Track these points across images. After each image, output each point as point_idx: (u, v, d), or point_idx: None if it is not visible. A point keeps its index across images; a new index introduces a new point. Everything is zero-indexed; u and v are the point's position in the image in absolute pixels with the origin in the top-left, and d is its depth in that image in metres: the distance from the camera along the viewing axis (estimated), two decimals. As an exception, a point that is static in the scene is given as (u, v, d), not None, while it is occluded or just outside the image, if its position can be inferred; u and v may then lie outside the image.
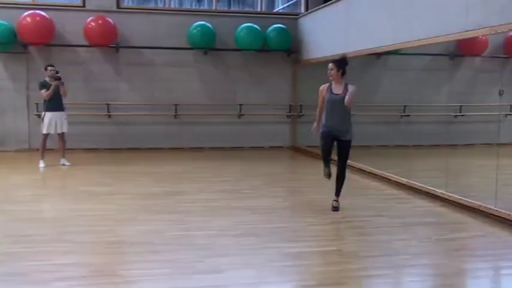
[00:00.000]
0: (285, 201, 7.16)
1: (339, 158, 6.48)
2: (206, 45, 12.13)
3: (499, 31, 5.95)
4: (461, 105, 13.36)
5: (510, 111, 13.54)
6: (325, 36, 11.17)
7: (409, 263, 4.64)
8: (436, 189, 7.25)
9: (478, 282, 4.46)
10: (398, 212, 6.58)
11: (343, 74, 6.26)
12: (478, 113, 13.53)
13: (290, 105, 12.93)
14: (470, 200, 6.57)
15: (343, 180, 6.49)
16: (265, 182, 8.50)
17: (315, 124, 6.53)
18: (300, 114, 12.81)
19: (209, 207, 6.65)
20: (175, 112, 12.27)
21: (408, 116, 13.19)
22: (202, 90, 12.52)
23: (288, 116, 12.99)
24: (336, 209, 6.40)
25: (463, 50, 12.66)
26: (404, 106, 13.17)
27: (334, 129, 6.28)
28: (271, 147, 12.85)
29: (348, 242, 5.31)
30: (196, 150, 12.33)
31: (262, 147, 12.80)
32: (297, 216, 6.29)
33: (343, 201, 6.58)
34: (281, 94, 12.89)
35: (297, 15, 12.87)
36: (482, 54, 13.23)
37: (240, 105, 12.58)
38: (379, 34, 8.73)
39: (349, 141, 6.35)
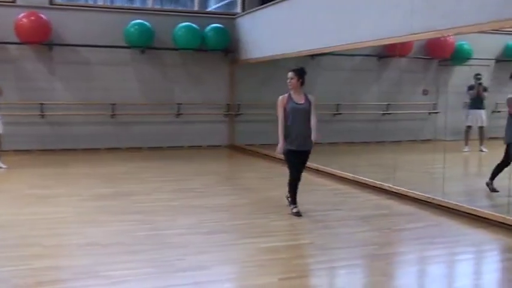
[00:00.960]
0: (241, 199, 7.27)
1: (300, 167, 6.29)
2: (143, 44, 11.99)
3: (445, 35, 6.40)
4: (388, 104, 14.06)
5: (433, 110, 14.45)
6: (266, 36, 11.38)
7: (379, 252, 4.93)
8: (383, 183, 7.66)
9: (441, 266, 4.81)
10: (353, 205, 6.92)
11: (303, 83, 6.21)
12: (404, 111, 14.32)
13: (228, 104, 13.04)
14: (417, 192, 7.01)
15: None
16: (216, 181, 8.60)
17: (281, 142, 6.12)
18: (238, 113, 12.98)
19: (169, 207, 6.66)
20: (112, 112, 12.05)
21: (340, 114, 13.71)
22: (139, 89, 12.37)
23: (225, 115, 13.10)
24: (298, 213, 6.17)
25: (389, 51, 13.28)
26: (337, 105, 13.68)
27: (300, 141, 6.06)
28: (210, 146, 12.91)
29: (315, 235, 5.52)
30: (135, 150, 12.17)
31: (201, 146, 12.84)
32: (258, 212, 6.44)
33: (299, 198, 6.79)
34: (219, 93, 12.98)
35: (234, 15, 13.01)
36: (407, 56, 14.01)
37: (178, 104, 12.54)
38: (324, 35, 9.04)
39: (311, 149, 6.24)
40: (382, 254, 4.86)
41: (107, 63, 12.03)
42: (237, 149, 12.71)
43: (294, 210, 6.18)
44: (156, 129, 12.53)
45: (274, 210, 6.50)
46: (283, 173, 9.26)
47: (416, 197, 6.97)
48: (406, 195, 7.16)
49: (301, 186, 7.87)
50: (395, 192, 7.36)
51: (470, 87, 12.27)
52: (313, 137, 6.03)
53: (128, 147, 12.23)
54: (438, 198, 6.65)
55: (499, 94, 13.82)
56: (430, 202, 6.72)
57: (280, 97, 6.23)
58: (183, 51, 12.43)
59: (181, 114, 12.60)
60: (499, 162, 7.41)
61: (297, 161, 6.19)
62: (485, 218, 5.92)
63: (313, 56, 12.77)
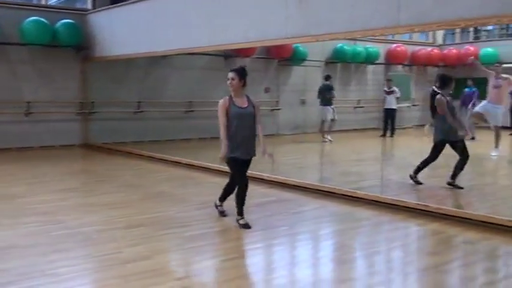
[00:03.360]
0: (131, 195, 7.36)
1: (244, 174, 5.82)
2: (-14, 38, 11.18)
3: (320, 40, 7.27)
4: (236, 101, 14.87)
5: (275, 107, 15.64)
6: (122, 34, 11.37)
7: (291, 231, 5.56)
8: (262, 173, 8.34)
9: (336, 239, 5.60)
10: (243, 194, 7.46)
11: (244, 84, 5.63)
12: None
13: (81, 102, 12.71)
14: (296, 180, 7.82)
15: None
16: (94, 180, 8.56)
17: (224, 149, 5.56)
18: (91, 111, 12.72)
19: (65, 206, 6.57)
20: (-48, 111, 11.03)
21: (192, 111, 14.19)
22: (-17, 87, 11.49)
23: (78, 114, 12.75)
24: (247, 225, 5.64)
25: (235, 51, 14.06)
26: (190, 102, 14.13)
27: (244, 149, 5.58)
28: (62, 146, 12.44)
29: (227, 221, 5.96)
30: (-20, 152, 11.28)
31: (53, 146, 12.31)
32: (159, 206, 6.67)
33: (186, 190, 7.16)
34: (71, 91, 12.58)
35: (85, 10, 12.70)
36: (251, 56, 14.99)
37: (28, 102, 11.91)
38: (194, 35, 9.42)
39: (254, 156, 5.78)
40: (294, 232, 5.48)
41: None
42: (92, 147, 12.46)
43: (242, 222, 5.62)
44: (2, 129, 11.73)
45: (173, 203, 6.81)
46: (153, 169, 9.57)
47: (296, 184, 7.77)
48: (285, 183, 7.92)
49: (185, 180, 8.29)
50: (274, 181, 8.07)
51: (326, 87, 13.97)
52: (263, 150, 5.64)
53: (-29, 150, 11.29)
54: (316, 183, 7.52)
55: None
56: (309, 188, 7.55)
57: (221, 100, 5.59)
58: (31, 47, 11.83)
59: (31, 113, 11.99)
60: (426, 157, 7.78)
61: (242, 169, 5.71)
62: (361, 198, 6.91)
63: (165, 56, 13.06)
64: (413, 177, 7.86)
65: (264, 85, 15.65)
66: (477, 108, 11.33)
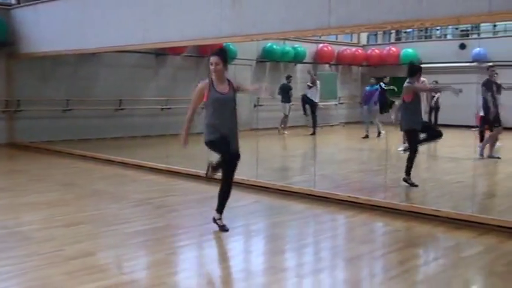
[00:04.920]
0: (68, 194, 7.28)
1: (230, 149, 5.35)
2: None
3: (254, 39, 7.50)
4: (167, 99, 14.87)
5: (206, 104, 15.72)
6: (54, 30, 11.11)
7: (233, 224, 5.73)
8: (198, 171, 8.46)
9: (269, 232, 5.84)
10: (181, 191, 7.59)
11: (227, 68, 5.30)
12: (181, 106, 15.30)
13: (6, 100, 12.30)
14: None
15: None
16: (26, 179, 8.34)
17: (184, 133, 5.34)
18: (17, 110, 12.34)
19: (1, 206, 6.44)
20: None
21: (123, 109, 14.06)
22: None
23: (3, 112, 12.33)
24: (224, 228, 5.44)
25: (166, 49, 14.07)
26: (120, 100, 13.99)
27: (223, 131, 5.22)
28: (-15, 145, 12.03)
29: (168, 218, 6.08)
30: None
31: (-23, 145, 11.88)
32: (98, 204, 6.68)
33: (122, 188, 7.18)
34: (-4, 89, 12.17)
35: (9, 5, 12.30)
36: (182, 54, 15.05)
37: (-51, 100, 11.42)
38: (127, 32, 9.39)
39: (239, 155, 5.38)
40: (231, 227, 5.61)
41: None
42: (19, 147, 12.10)
43: (220, 223, 5.42)
44: None
45: (111, 201, 6.82)
46: (86, 168, 9.49)
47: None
48: (215, 179, 8.01)
49: (118, 179, 8.32)
50: (210, 178, 8.20)
51: (287, 86, 15.72)
52: (255, 88, 6.11)
53: None
54: (251, 179, 7.75)
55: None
56: (244, 183, 7.75)
57: (201, 83, 5.32)
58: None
59: (-48, 111, 11.50)
60: (407, 156, 7.68)
61: (225, 146, 5.24)
62: (295, 192, 7.20)
63: (94, 53, 12.88)
64: (407, 179, 7.68)
65: (195, 83, 15.65)
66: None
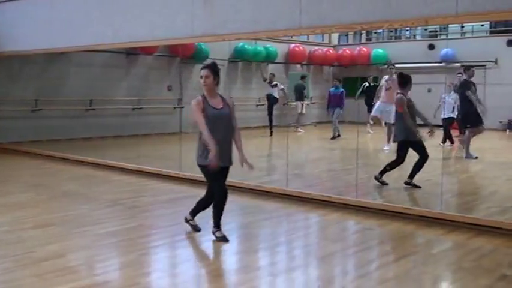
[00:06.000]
0: (39, 195, 7.17)
1: (222, 182, 5.23)
2: None
3: (226, 39, 7.50)
4: (138, 99, 14.75)
5: (178, 105, 15.66)
6: (21, 29, 10.91)
7: (201, 225, 5.69)
8: (170, 171, 8.44)
9: (243, 231, 5.86)
10: (153, 192, 7.55)
11: (218, 83, 5.14)
12: (152, 106, 15.24)
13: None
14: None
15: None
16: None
17: (213, 151, 4.87)
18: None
19: (-37, 209, 6.32)
20: None
21: (94, 109, 13.89)
22: None
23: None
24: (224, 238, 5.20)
25: (137, 48, 13.94)
26: (90, 100, 13.82)
27: (221, 155, 4.96)
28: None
29: (141, 218, 6.04)
30: None
31: None
32: (68, 205, 6.58)
33: (93, 188, 7.11)
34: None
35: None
36: (153, 53, 14.94)
37: None
38: (97, 32, 9.27)
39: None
40: (204, 227, 5.58)
41: None
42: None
43: (218, 235, 5.19)
44: None
45: (82, 202, 6.74)
46: (56, 169, 9.36)
47: (200, 179, 7.92)
48: (187, 179, 8.03)
49: (89, 180, 8.22)
50: (182, 178, 8.19)
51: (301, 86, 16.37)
52: (241, 159, 5.16)
53: None
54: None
55: (232, 90, 15.95)
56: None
57: (194, 101, 5.05)
58: None
59: None
60: (392, 160, 7.71)
61: (219, 177, 5.15)
62: (268, 191, 7.23)
63: (63, 52, 12.67)
64: (379, 178, 7.75)
65: (167, 83, 15.68)
66: (373, 112, 12.11)
